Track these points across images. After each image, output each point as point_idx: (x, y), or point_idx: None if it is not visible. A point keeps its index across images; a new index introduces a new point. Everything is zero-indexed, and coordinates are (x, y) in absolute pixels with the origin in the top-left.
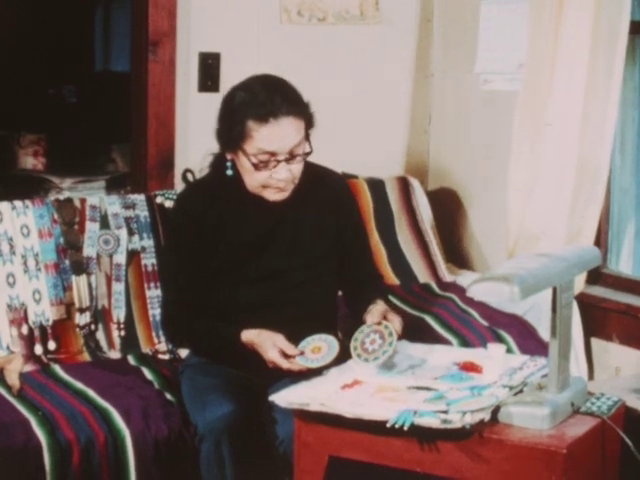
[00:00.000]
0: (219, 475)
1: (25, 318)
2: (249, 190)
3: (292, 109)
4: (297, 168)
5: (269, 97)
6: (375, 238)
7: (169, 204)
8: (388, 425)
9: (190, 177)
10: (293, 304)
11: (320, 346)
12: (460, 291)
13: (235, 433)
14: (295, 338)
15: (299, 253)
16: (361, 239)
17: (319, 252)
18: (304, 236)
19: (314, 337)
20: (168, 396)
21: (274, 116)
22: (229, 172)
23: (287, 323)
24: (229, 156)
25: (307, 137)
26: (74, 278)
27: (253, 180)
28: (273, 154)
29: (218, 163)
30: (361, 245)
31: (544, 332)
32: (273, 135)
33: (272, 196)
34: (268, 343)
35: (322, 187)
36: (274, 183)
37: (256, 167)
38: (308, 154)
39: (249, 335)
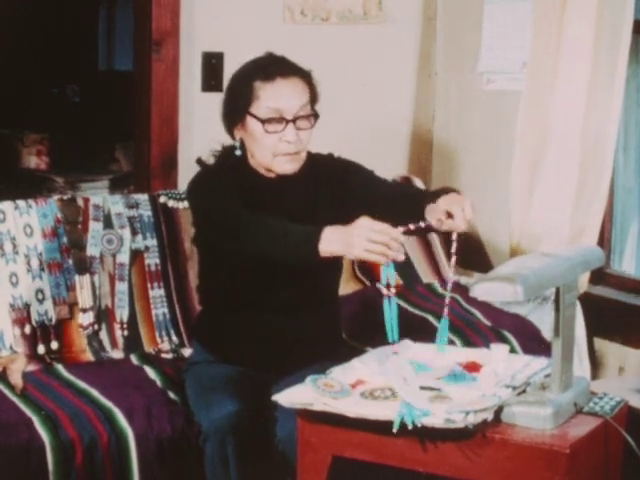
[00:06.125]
0: (224, 474)
1: (28, 318)
2: (256, 171)
3: (297, 71)
4: (304, 135)
5: (274, 60)
6: None
7: (172, 204)
8: (394, 430)
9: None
10: (291, 289)
11: (333, 384)
12: (463, 291)
13: (240, 432)
14: (294, 325)
15: None
16: (375, 177)
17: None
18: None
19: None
20: (171, 395)
21: (281, 74)
22: (238, 152)
23: (286, 309)
24: (237, 134)
25: (312, 110)
26: (77, 278)
27: (263, 149)
28: (280, 113)
29: (224, 153)
30: (378, 180)
31: (547, 332)
32: (280, 92)
33: (282, 166)
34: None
35: (314, 170)
36: (283, 148)
37: (264, 125)
38: (315, 119)
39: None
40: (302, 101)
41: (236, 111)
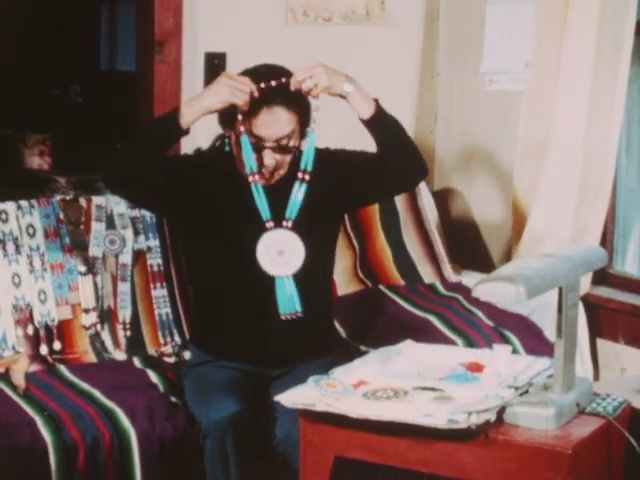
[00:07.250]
0: (223, 471)
1: (31, 318)
2: (239, 170)
3: (287, 101)
4: (283, 159)
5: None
6: (381, 238)
7: None
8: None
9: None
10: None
11: (335, 385)
12: (465, 291)
13: (240, 430)
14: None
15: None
16: (356, 153)
17: (308, 234)
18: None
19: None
20: (173, 399)
21: (267, 104)
22: (227, 148)
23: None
24: (227, 132)
25: (300, 133)
26: (80, 278)
27: (240, 161)
28: (260, 139)
29: (218, 142)
30: (359, 155)
31: (550, 333)
32: (263, 121)
33: (257, 181)
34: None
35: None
36: (259, 168)
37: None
38: (296, 148)
39: None
40: (285, 131)
41: (226, 117)
